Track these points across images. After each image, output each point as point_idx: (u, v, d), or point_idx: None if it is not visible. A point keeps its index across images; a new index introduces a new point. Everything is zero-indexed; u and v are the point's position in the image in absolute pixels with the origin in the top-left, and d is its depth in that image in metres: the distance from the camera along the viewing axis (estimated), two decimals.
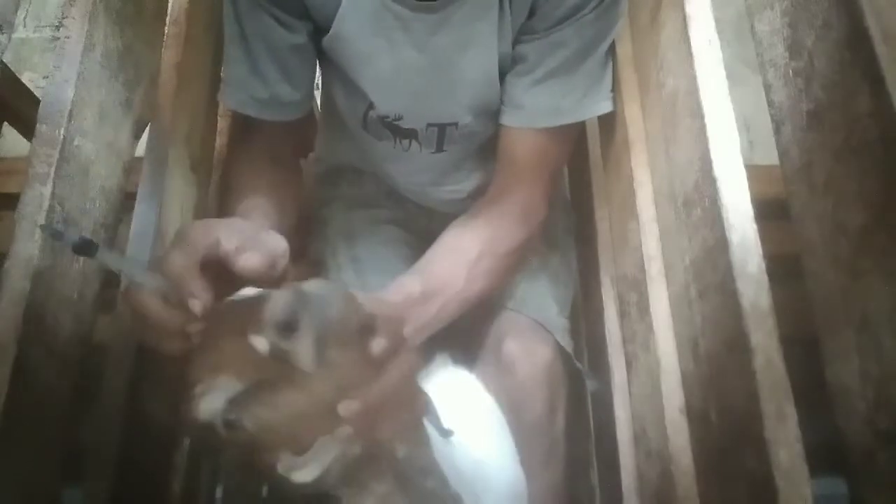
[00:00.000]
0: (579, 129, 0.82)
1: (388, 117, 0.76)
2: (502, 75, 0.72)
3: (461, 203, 0.85)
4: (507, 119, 0.73)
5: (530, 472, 0.70)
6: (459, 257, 0.70)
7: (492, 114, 0.75)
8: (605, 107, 0.75)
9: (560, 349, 0.80)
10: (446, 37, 0.69)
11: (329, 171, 0.93)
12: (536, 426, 0.76)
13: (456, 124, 0.76)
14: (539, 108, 0.71)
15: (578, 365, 0.82)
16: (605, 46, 0.71)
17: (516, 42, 0.70)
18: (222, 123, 0.92)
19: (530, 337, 0.79)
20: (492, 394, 0.73)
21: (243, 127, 0.77)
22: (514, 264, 0.76)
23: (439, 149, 0.79)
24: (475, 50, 0.70)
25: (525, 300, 0.83)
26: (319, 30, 0.72)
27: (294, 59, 0.72)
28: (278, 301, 0.42)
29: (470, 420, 0.67)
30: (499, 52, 0.70)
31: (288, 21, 0.70)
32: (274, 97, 0.72)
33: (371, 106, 0.75)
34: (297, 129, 0.78)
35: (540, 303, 0.84)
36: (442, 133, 0.77)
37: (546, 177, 0.76)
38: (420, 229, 0.92)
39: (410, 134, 0.77)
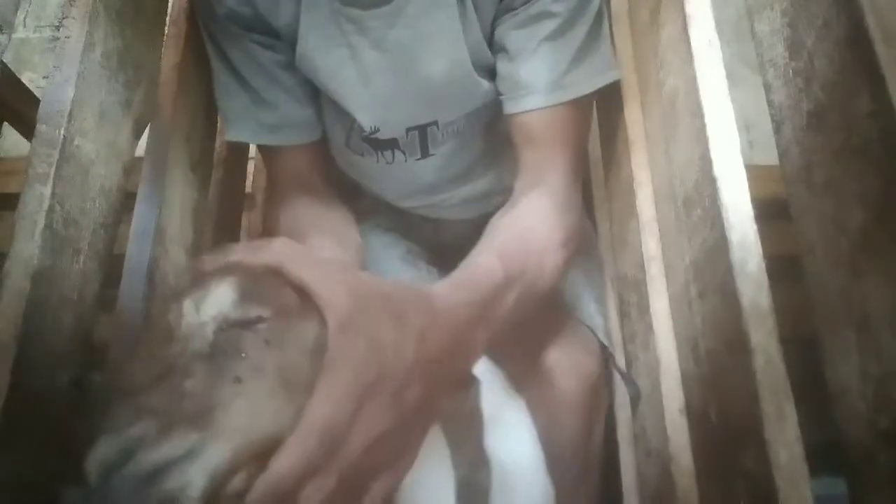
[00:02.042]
0: (591, 103, 0.75)
1: (364, 131, 0.73)
2: (480, 67, 0.69)
3: (473, 206, 0.82)
4: (511, 107, 0.68)
5: (560, 493, 0.66)
6: (526, 243, 0.60)
7: (475, 108, 0.72)
8: (613, 75, 0.69)
9: (604, 355, 0.75)
10: (405, 29, 0.66)
11: None
12: (572, 445, 0.71)
13: (436, 123, 0.72)
14: (539, 83, 0.66)
15: (620, 369, 0.77)
16: (594, 9, 0.66)
17: (496, 25, 0.67)
18: (222, 123, 0.92)
19: (575, 344, 0.73)
20: (524, 401, 0.69)
21: (270, 175, 0.75)
22: (570, 256, 0.66)
23: (425, 154, 0.75)
24: (439, 40, 0.67)
25: (564, 297, 0.78)
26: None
27: (289, 76, 0.70)
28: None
29: (498, 425, 0.63)
30: (467, 40, 0.67)
31: (268, 42, 0.69)
32: (284, 119, 0.71)
33: (355, 122, 0.72)
34: (322, 153, 0.76)
35: (580, 300, 0.79)
36: (423, 136, 0.73)
37: (572, 158, 0.69)
38: (425, 238, 0.89)
39: (391, 144, 0.74)
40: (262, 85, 0.70)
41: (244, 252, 0.44)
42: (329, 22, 0.66)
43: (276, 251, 0.44)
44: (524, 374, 0.71)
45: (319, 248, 0.64)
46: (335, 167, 0.82)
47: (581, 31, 0.66)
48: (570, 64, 0.66)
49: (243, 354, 0.38)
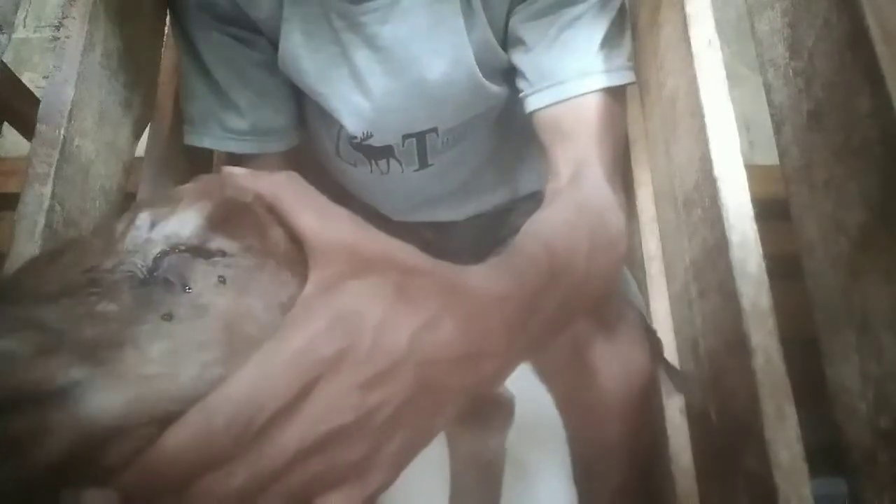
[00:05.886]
0: (624, 98, 0.66)
1: (355, 138, 0.67)
2: (487, 68, 0.63)
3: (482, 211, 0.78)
4: (534, 102, 0.60)
5: None
6: (571, 242, 0.49)
7: (479, 112, 0.67)
8: (629, 76, 0.62)
9: (653, 345, 0.63)
10: (400, 25, 0.60)
11: None
12: (612, 455, 0.62)
13: (436, 130, 0.67)
14: (565, 70, 0.59)
15: (675, 367, 0.64)
16: (617, 2, 0.61)
17: (510, 18, 0.61)
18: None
19: (622, 332, 0.62)
20: (558, 406, 0.56)
21: None
22: (619, 259, 0.56)
23: (423, 164, 0.69)
24: (438, 37, 0.60)
25: None
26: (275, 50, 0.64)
27: (265, 78, 0.65)
28: None
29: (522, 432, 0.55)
30: (472, 38, 0.61)
31: (247, 37, 0.64)
32: (254, 126, 0.65)
33: (342, 128, 0.67)
34: (295, 162, 0.69)
35: (623, 277, 0.69)
36: (422, 144, 0.68)
37: (611, 155, 0.59)
38: (426, 243, 0.84)
39: (386, 152, 0.68)
40: (232, 86, 0.64)
41: (239, 178, 0.36)
42: (317, 17, 0.61)
43: (276, 182, 0.35)
44: (554, 364, 0.57)
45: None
46: (323, 178, 0.76)
47: (607, 17, 0.60)
48: (598, 48, 0.59)
49: (188, 288, 0.30)
